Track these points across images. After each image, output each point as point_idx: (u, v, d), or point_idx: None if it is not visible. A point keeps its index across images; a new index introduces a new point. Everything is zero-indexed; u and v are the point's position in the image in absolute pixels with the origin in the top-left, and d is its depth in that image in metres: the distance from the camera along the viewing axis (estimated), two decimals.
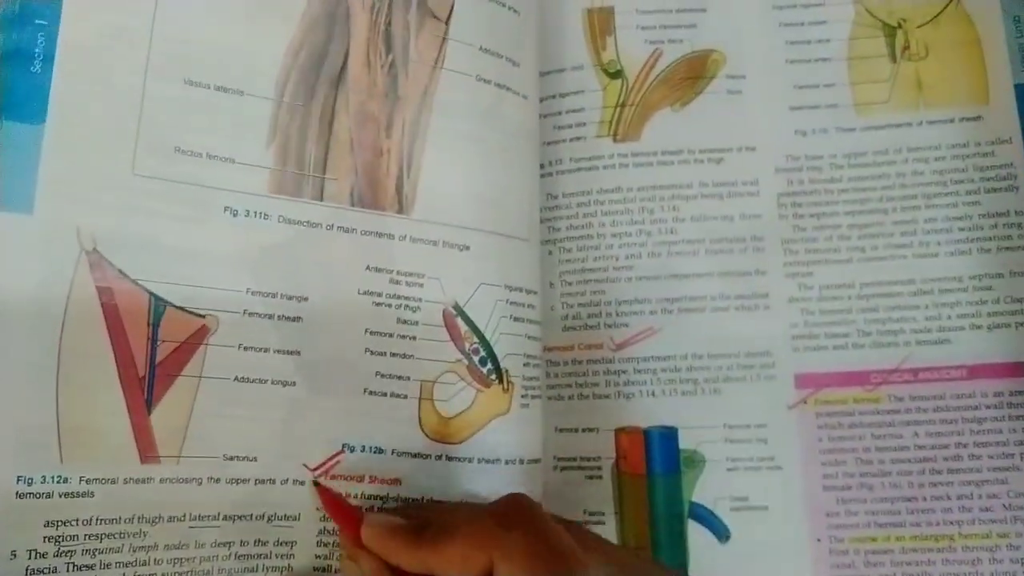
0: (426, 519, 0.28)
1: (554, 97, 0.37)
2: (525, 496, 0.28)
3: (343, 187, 0.32)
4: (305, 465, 0.31)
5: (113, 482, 0.28)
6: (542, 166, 0.37)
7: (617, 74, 0.37)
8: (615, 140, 0.37)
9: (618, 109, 0.37)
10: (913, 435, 0.34)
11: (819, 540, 0.34)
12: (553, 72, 0.37)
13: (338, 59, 0.33)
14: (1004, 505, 0.33)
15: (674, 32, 0.37)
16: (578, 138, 0.37)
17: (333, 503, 0.30)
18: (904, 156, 0.35)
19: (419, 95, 0.33)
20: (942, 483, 0.33)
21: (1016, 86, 0.36)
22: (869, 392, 0.34)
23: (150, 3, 0.30)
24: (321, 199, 0.32)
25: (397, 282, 0.32)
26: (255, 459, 0.30)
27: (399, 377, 0.32)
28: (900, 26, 0.37)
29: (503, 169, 0.34)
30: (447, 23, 0.34)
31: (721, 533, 0.34)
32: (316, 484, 0.30)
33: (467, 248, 0.33)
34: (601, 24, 0.38)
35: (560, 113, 0.37)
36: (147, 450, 0.28)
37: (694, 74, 0.37)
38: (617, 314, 0.36)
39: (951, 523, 0.33)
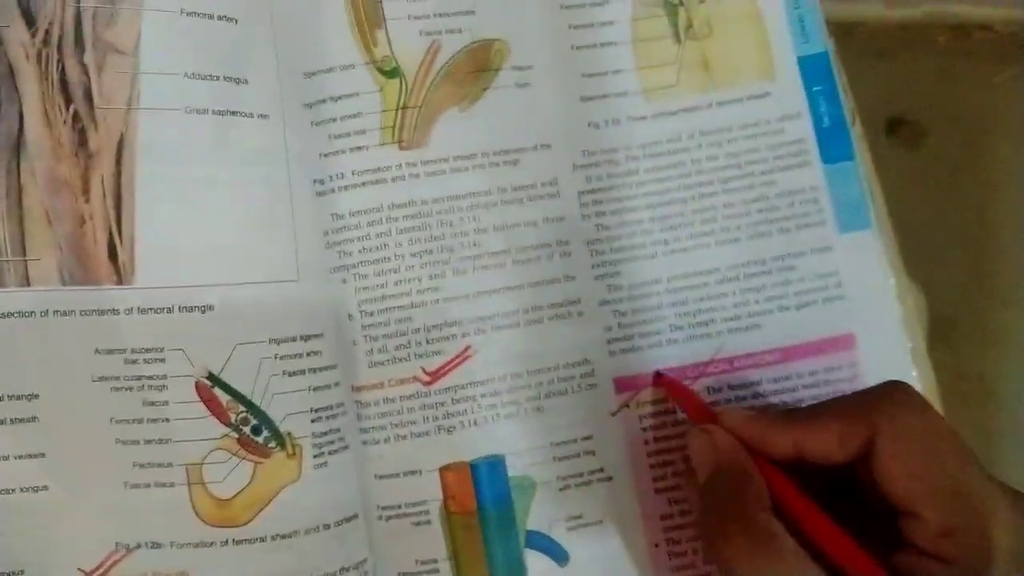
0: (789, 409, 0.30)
1: (324, 102, 0.35)
2: (904, 382, 0.29)
3: (49, 266, 0.30)
4: (80, 569, 0.30)
5: None
6: (321, 182, 0.35)
7: (394, 72, 0.35)
8: (401, 148, 0.35)
9: (400, 112, 0.35)
10: None
11: (657, 545, 0.35)
12: (320, 73, 0.35)
13: (14, 124, 0.30)
14: None
15: (451, 20, 0.36)
16: (359, 147, 0.35)
17: (681, 391, 0.34)
18: (697, 141, 0.37)
19: (115, 145, 0.31)
20: None
21: (799, 59, 0.38)
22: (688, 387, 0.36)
23: None
24: (28, 284, 0.30)
25: (133, 361, 0.30)
26: (22, 572, 0.29)
27: (160, 464, 0.30)
28: (681, 3, 0.37)
29: (243, 207, 0.32)
30: (136, 54, 0.31)
31: (560, 557, 0.35)
32: (658, 374, 0.35)
33: (211, 308, 0.31)
34: (368, 15, 0.35)
35: (335, 120, 0.35)
36: None
37: (478, 67, 0.36)
38: (427, 341, 0.35)
39: None
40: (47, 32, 0.30)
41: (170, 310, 0.31)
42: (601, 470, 0.35)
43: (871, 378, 0.36)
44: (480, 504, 0.34)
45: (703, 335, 0.36)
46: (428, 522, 0.34)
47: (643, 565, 0.35)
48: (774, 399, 0.36)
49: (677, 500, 0.35)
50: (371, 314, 0.34)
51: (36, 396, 0.29)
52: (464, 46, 0.36)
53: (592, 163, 0.36)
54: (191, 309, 0.31)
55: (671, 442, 0.35)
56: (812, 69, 0.38)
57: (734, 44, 0.38)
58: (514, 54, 0.36)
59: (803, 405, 0.35)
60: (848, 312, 0.36)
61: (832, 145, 0.37)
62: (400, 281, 0.35)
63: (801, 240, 0.37)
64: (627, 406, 0.35)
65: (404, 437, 0.34)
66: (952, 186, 0.36)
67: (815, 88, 0.37)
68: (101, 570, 0.29)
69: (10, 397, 0.29)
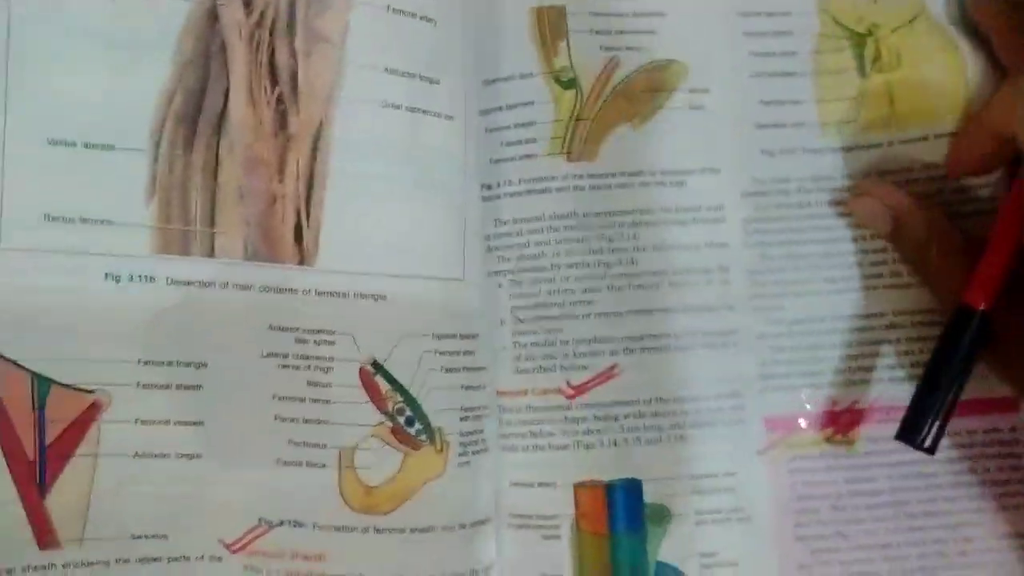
0: None
1: (500, 109, 0.36)
2: None
3: (235, 240, 0.31)
4: (221, 541, 0.31)
5: (11, 572, 0.28)
6: (488, 187, 0.36)
7: (571, 83, 0.36)
8: (569, 159, 0.36)
9: (572, 124, 0.36)
10: (887, 478, 0.34)
11: None
12: (499, 81, 0.36)
13: (218, 100, 0.31)
14: (980, 548, 0.34)
15: (632, 39, 0.36)
16: (528, 156, 0.36)
17: None
18: (874, 181, 0.36)
19: (314, 131, 0.32)
20: (917, 528, 0.34)
21: None
22: (841, 435, 0.34)
23: (1, 59, 0.29)
24: (212, 255, 0.31)
25: (304, 341, 0.31)
26: (165, 536, 0.30)
27: (314, 445, 0.31)
28: (871, 33, 0.36)
29: (423, 203, 0.34)
30: (343, 45, 0.33)
31: None
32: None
33: (383, 298, 0.32)
34: (552, 25, 0.36)
35: (508, 127, 0.36)
36: (45, 536, 0.29)
37: (654, 86, 0.36)
38: (575, 355, 0.35)
39: (927, 569, 0.34)
40: (262, 14, 0.32)
41: (345, 295, 0.32)
42: (741, 509, 0.34)
43: None
44: (612, 526, 0.34)
45: (861, 380, 0.35)
46: (557, 537, 0.34)
47: None
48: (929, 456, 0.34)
49: (818, 551, 0.34)
50: (522, 321, 0.35)
51: (204, 365, 0.31)
52: (642, 64, 0.36)
53: (761, 191, 0.36)
54: (365, 296, 0.32)
55: (818, 489, 0.34)
56: None
57: (924, 77, 0.36)
58: (692, 76, 0.36)
59: (959, 465, 0.34)
60: None
61: None
62: (553, 291, 0.35)
63: None
64: (775, 447, 0.35)
65: (542, 448, 0.34)
66: None
67: None
68: (242, 543, 0.31)
69: (179, 363, 0.30)
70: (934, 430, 0.31)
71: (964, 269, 0.32)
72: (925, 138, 0.36)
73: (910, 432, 0.32)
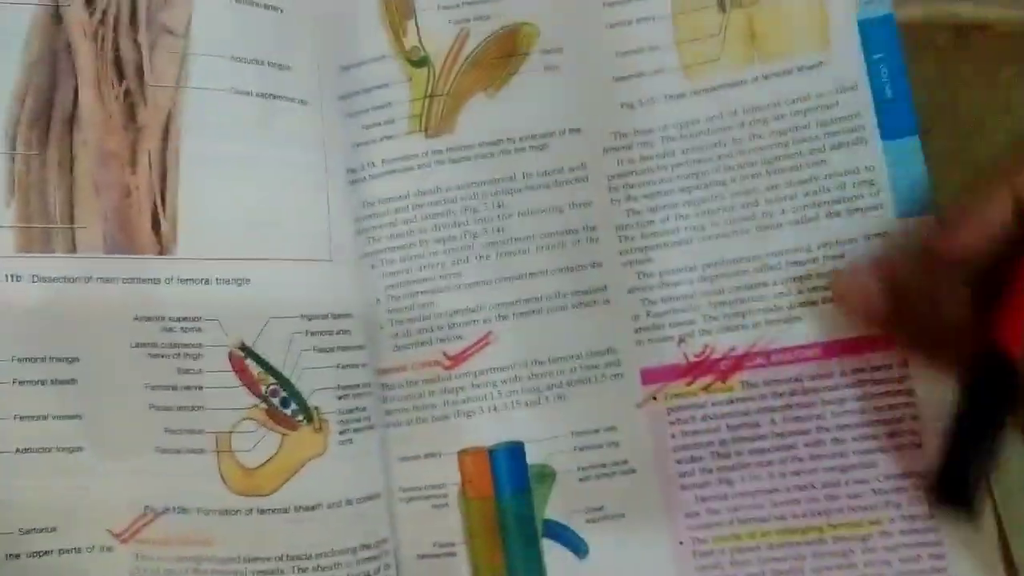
0: None
1: (358, 94, 0.37)
2: None
3: (95, 235, 0.32)
4: (110, 531, 0.32)
5: None
6: (354, 171, 0.36)
7: (423, 61, 0.36)
8: (427, 135, 0.36)
9: (427, 100, 0.36)
10: (771, 423, 0.34)
11: (681, 543, 0.34)
12: (354, 66, 0.37)
13: (69, 98, 0.33)
14: (873, 490, 0.33)
15: (479, 8, 0.36)
16: (388, 137, 0.36)
17: None
18: (740, 119, 0.35)
19: (163, 121, 0.33)
20: (805, 471, 0.34)
21: (861, 22, 0.35)
22: (720, 381, 0.34)
23: None
24: (74, 251, 0.32)
25: (171, 329, 0.32)
26: (54, 529, 0.31)
27: (191, 431, 0.32)
28: None
29: (281, 187, 0.34)
30: (187, 36, 0.34)
31: (579, 548, 0.35)
32: None
33: (246, 282, 0.33)
34: (399, 7, 0.37)
35: (366, 111, 0.37)
36: None
37: (506, 52, 0.36)
38: (449, 326, 0.36)
39: (818, 514, 0.33)
40: (104, 12, 0.33)
41: (208, 281, 0.33)
42: (624, 462, 0.35)
43: (922, 379, 0.33)
44: (497, 490, 0.35)
45: (738, 326, 0.34)
46: (446, 505, 0.35)
47: (665, 562, 0.34)
48: (814, 397, 0.34)
49: (704, 498, 0.34)
50: (397, 298, 0.36)
51: (77, 359, 0.31)
52: (492, 32, 0.36)
53: (624, 145, 0.35)
54: (228, 281, 0.33)
55: (700, 437, 0.34)
56: (875, 34, 0.34)
57: (786, 9, 0.35)
58: (543, 37, 0.36)
59: (846, 405, 0.33)
60: None
61: (893, 119, 0.34)
62: (424, 267, 0.36)
63: (853, 226, 0.34)
64: (654, 398, 0.35)
65: (425, 420, 0.35)
66: (952, 186, 0.34)
67: (876, 56, 0.34)
68: (129, 532, 0.32)
69: (52, 359, 0.31)
70: (970, 495, 0.27)
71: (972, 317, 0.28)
72: (789, 71, 0.35)
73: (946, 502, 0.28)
